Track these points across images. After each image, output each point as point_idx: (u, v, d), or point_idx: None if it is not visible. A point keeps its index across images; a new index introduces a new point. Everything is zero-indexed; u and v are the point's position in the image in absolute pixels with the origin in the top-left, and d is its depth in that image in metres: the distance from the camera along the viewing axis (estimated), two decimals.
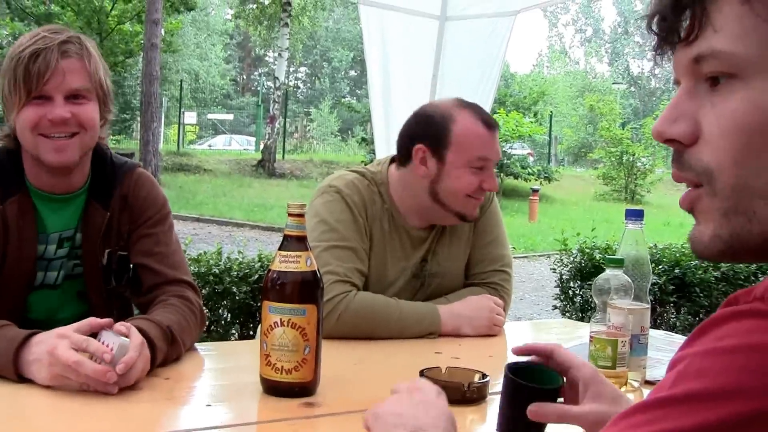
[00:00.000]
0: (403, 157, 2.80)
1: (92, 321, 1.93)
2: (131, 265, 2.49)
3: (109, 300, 2.47)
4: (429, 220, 2.85)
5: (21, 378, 1.88)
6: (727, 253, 0.95)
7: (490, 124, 2.72)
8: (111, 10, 24.68)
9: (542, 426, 1.52)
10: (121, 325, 1.93)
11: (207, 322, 4.96)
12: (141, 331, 1.98)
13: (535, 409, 1.47)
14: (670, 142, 0.97)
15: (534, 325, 4.23)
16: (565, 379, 1.55)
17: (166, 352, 2.09)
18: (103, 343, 1.87)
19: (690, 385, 0.84)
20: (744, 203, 0.91)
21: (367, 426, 1.38)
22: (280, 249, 1.89)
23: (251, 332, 5.02)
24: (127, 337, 1.90)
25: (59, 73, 2.21)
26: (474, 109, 2.76)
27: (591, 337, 2.06)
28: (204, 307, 2.47)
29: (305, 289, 1.86)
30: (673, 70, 0.98)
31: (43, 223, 2.35)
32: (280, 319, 1.84)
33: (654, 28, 0.98)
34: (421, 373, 1.95)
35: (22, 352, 1.88)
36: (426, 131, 2.75)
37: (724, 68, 0.91)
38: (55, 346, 1.82)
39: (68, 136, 2.24)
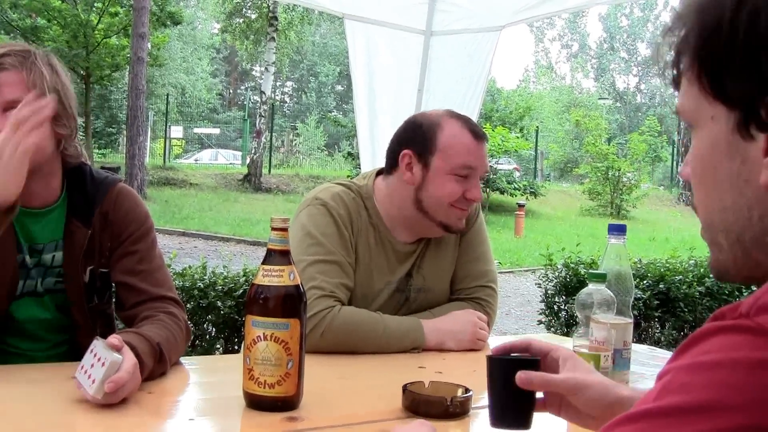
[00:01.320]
0: (390, 164, 2.81)
1: None
2: (113, 283, 2.48)
3: (92, 317, 2.46)
4: (415, 233, 2.84)
5: None
6: (719, 277, 1.08)
7: (477, 134, 2.72)
8: (97, 23, 24.67)
9: (531, 404, 1.59)
10: (114, 338, 1.92)
11: (192, 337, 4.96)
12: (130, 346, 1.97)
13: (522, 377, 1.54)
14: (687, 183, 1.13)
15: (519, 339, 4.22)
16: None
17: (152, 369, 2.08)
18: (95, 356, 1.87)
19: (674, 399, 0.85)
20: (714, 237, 1.05)
21: None
22: (263, 263, 1.89)
23: (236, 347, 5.01)
24: (119, 352, 1.89)
25: None
26: (463, 119, 2.77)
27: (574, 351, 2.06)
28: (188, 322, 2.46)
29: (288, 303, 1.86)
30: None
31: (17, 234, 2.33)
32: (263, 333, 1.84)
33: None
34: (404, 388, 1.95)
35: None
36: (413, 137, 2.76)
37: (685, 121, 1.06)
38: None
39: None
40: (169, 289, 2.46)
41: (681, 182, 33.35)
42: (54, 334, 2.43)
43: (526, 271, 15.32)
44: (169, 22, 26.94)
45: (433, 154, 2.70)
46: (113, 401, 1.85)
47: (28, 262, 2.37)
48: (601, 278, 2.10)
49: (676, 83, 1.07)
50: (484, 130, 2.81)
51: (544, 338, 3.92)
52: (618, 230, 2.24)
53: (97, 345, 1.90)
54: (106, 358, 1.84)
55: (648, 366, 2.50)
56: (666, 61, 1.08)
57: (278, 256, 1.88)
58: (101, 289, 2.47)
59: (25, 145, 2.03)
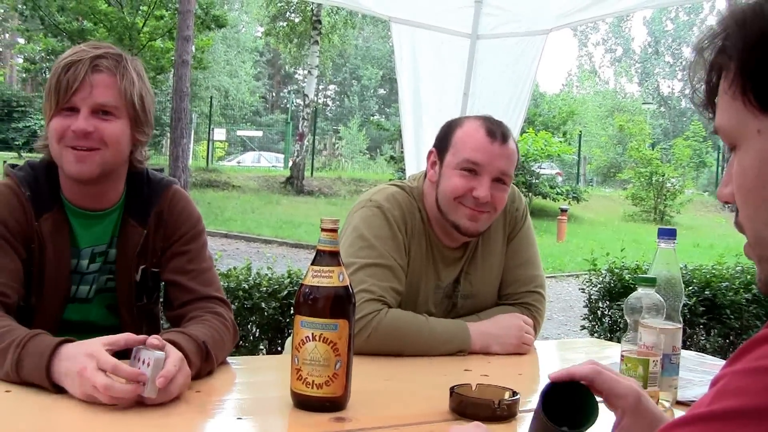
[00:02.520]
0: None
1: (128, 337, 1.93)
2: (162, 283, 2.51)
3: (139, 316, 2.49)
4: (450, 236, 2.83)
5: (57, 387, 1.89)
6: None
7: (493, 133, 2.68)
8: (143, 26, 24.94)
9: None
10: (154, 339, 1.93)
11: (239, 337, 4.99)
12: (176, 345, 1.99)
13: None
14: (726, 203, 1.11)
15: (562, 344, 4.21)
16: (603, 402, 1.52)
17: (200, 367, 2.10)
18: (138, 359, 1.88)
19: (729, 403, 0.85)
20: (764, 253, 1.04)
21: None
22: (312, 264, 1.90)
23: (279, 348, 5.03)
24: (161, 350, 1.91)
25: (86, 86, 2.23)
26: (486, 119, 2.75)
27: (622, 356, 2.05)
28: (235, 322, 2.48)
29: (337, 304, 1.87)
30: None
31: (75, 239, 2.38)
32: (312, 334, 1.85)
33: (701, 112, 1.14)
34: (452, 391, 1.95)
35: (54, 365, 1.88)
36: (439, 137, 2.80)
37: (726, 140, 1.06)
38: (84, 366, 1.81)
39: (89, 149, 2.26)
40: (217, 290, 2.48)
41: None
42: (101, 334, 2.46)
43: (569, 276, 15.24)
44: (213, 26, 27.15)
45: (448, 150, 2.73)
46: (168, 398, 1.87)
47: (82, 267, 2.40)
48: (650, 282, 2.08)
49: (710, 102, 1.07)
50: (508, 133, 2.73)
51: (587, 343, 3.91)
52: (668, 235, 2.22)
53: (139, 349, 1.91)
54: (150, 358, 1.86)
55: (696, 372, 2.48)
56: (699, 80, 1.07)
57: (328, 257, 1.89)
58: (151, 288, 2.50)
59: (89, 393, 1.84)
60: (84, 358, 1.84)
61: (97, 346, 1.87)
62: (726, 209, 31.27)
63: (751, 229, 1.03)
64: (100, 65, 2.25)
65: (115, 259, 2.44)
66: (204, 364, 2.13)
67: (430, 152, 2.81)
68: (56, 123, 2.25)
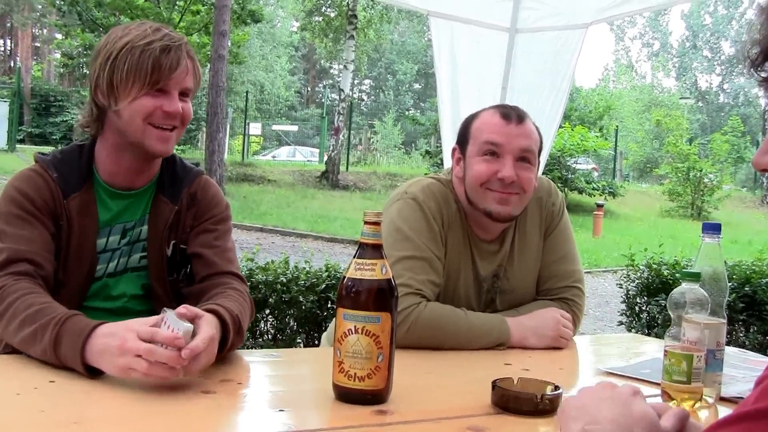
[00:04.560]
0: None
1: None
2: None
3: (171, 292, 2.52)
4: (485, 229, 2.83)
5: (88, 369, 1.92)
6: None
7: (507, 115, 2.71)
8: (179, 21, 25.06)
9: None
10: (183, 308, 1.97)
11: (273, 330, 5.02)
12: (218, 315, 2.06)
13: None
14: (764, 171, 1.01)
15: (600, 338, 4.19)
16: None
17: (233, 341, 2.14)
18: (168, 328, 1.90)
19: None
20: None
21: (557, 419, 1.42)
22: (355, 257, 1.90)
23: (316, 342, 5.05)
24: (190, 321, 1.94)
25: (183, 71, 2.35)
26: (500, 106, 2.81)
27: (666, 351, 2.03)
28: (270, 315, 2.52)
29: (380, 296, 1.87)
30: None
31: (106, 216, 2.43)
32: (355, 327, 1.85)
33: (749, 67, 1.04)
34: (494, 384, 1.95)
35: (89, 344, 1.92)
36: (460, 133, 2.83)
37: None
38: (125, 338, 1.86)
39: (171, 128, 2.37)
40: (237, 268, 2.56)
41: (766, 184, 32.61)
42: (133, 315, 2.47)
43: (605, 271, 15.17)
44: (249, 20, 27.27)
45: (468, 142, 2.75)
46: (188, 374, 1.89)
47: (112, 244, 2.45)
48: (695, 277, 2.06)
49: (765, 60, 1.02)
50: (523, 114, 2.76)
51: (626, 339, 3.88)
52: (713, 229, 2.20)
53: (169, 316, 1.92)
54: (179, 329, 1.88)
55: (740, 368, 2.46)
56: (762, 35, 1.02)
57: (370, 250, 1.89)
58: (180, 264, 2.53)
59: (129, 371, 1.88)
60: (124, 331, 1.88)
61: (136, 322, 1.92)
62: (765, 205, 30.97)
63: None
64: (189, 52, 2.39)
65: (147, 236, 2.49)
66: (236, 338, 2.18)
67: (454, 149, 2.83)
68: (146, 102, 2.32)
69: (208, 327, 1.98)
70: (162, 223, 2.48)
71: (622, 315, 6.83)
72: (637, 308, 6.69)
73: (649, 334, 6.09)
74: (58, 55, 40.61)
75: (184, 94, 2.39)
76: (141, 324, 1.91)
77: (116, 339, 1.87)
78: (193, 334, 1.92)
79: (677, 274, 5.34)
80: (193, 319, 1.97)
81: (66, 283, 2.37)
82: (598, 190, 27.15)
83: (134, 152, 2.40)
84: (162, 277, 2.50)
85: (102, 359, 1.90)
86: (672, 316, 2.06)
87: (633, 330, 6.54)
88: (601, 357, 2.81)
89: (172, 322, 1.90)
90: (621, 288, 6.86)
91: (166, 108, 2.33)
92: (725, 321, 2.15)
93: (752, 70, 1.04)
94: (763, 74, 1.03)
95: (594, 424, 1.26)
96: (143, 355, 1.83)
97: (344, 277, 1.90)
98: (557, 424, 1.40)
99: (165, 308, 1.96)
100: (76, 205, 2.37)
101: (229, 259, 2.53)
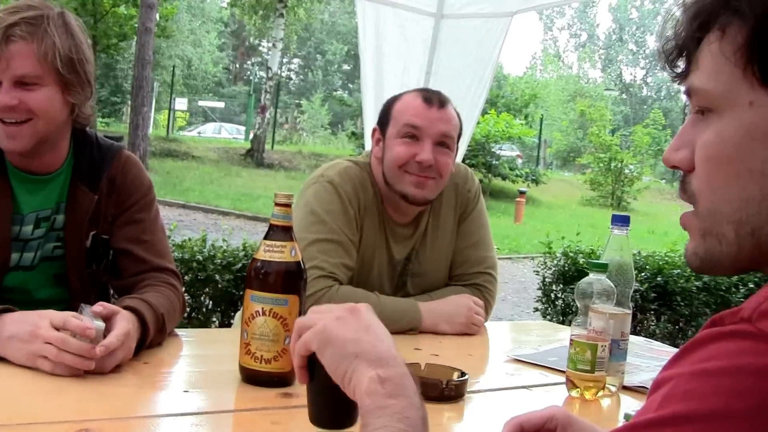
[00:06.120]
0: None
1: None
2: (111, 250, 2.47)
3: (89, 283, 2.44)
4: (400, 212, 2.84)
5: None
6: (703, 268, 1.03)
7: (429, 99, 2.72)
8: None
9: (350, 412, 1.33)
10: (99, 306, 1.92)
11: (188, 309, 4.96)
12: (138, 313, 1.99)
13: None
14: (674, 168, 1.06)
15: (515, 325, 4.23)
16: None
17: (153, 338, 2.08)
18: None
19: (677, 407, 0.84)
20: (716, 227, 0.99)
21: (310, 347, 1.28)
22: (265, 238, 1.89)
23: (232, 321, 5.00)
24: (104, 319, 1.89)
25: (2, 60, 2.14)
26: (423, 90, 2.83)
27: (571, 340, 2.06)
28: (186, 294, 2.46)
29: (288, 279, 1.86)
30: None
31: (18, 204, 2.31)
32: (262, 309, 1.84)
33: (663, 62, 1.07)
34: None
35: None
36: (380, 114, 2.85)
37: (702, 103, 1.00)
38: (37, 325, 1.81)
39: (19, 122, 2.18)
40: (170, 261, 2.47)
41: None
42: (46, 306, 2.40)
43: (524, 258, 15.32)
44: None
45: (388, 123, 2.76)
46: (101, 370, 1.84)
47: (25, 234, 2.34)
48: (602, 268, 2.09)
49: (680, 55, 1.03)
50: (445, 99, 2.78)
51: (540, 326, 3.93)
52: (621, 221, 2.23)
53: (84, 312, 1.89)
54: (92, 326, 1.85)
55: (644, 358, 2.50)
56: (685, 37, 1.02)
57: (280, 232, 1.88)
58: (101, 255, 2.45)
59: (39, 360, 1.83)
60: (37, 318, 1.84)
61: (49, 311, 1.87)
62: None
63: (710, 200, 0.99)
64: (13, 35, 2.14)
65: (63, 225, 2.37)
66: (157, 335, 2.12)
67: (374, 130, 2.84)
68: None
69: (125, 322, 1.93)
70: (81, 214, 2.36)
71: (538, 302, 6.91)
72: (552, 295, 6.77)
73: (563, 322, 6.17)
74: None
75: (25, 83, 2.16)
76: (55, 313, 1.86)
77: (27, 325, 1.83)
78: (106, 333, 1.88)
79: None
80: (110, 317, 1.92)
81: None
82: (521, 177, 27.40)
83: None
84: (80, 269, 2.41)
85: (9, 345, 1.84)
86: (579, 305, 2.09)
87: (548, 317, 6.62)
88: (513, 344, 2.84)
89: (86, 319, 1.87)
90: (538, 275, 6.93)
91: None
92: (630, 312, 2.19)
93: (666, 65, 1.05)
94: (677, 69, 1.04)
95: (383, 362, 1.23)
96: (54, 343, 1.78)
97: (253, 258, 1.89)
98: (317, 352, 1.27)
99: (82, 304, 1.92)
100: None
101: (159, 252, 2.43)
